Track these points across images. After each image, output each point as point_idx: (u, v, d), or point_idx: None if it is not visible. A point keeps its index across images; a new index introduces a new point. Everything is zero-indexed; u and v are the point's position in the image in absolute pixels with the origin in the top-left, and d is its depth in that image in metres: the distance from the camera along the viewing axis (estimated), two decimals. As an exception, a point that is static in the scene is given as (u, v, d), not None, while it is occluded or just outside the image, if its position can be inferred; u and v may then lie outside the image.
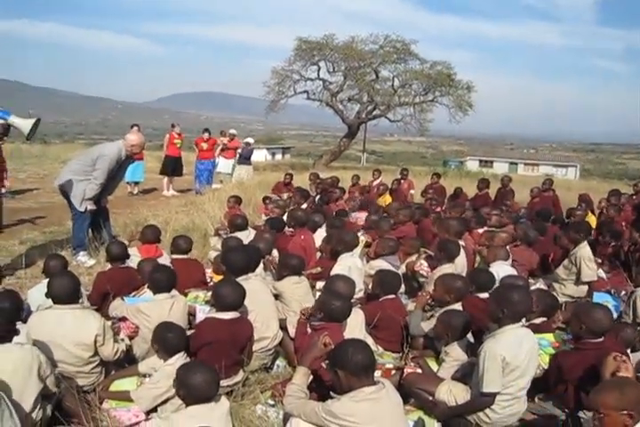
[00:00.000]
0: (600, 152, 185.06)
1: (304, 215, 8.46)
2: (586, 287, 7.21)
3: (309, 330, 4.77)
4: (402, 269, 7.34)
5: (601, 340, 4.37)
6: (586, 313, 4.43)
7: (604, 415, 3.09)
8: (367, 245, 8.77)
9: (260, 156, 45.05)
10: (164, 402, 4.18)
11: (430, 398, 4.39)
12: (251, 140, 18.98)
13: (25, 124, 7.38)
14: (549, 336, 5.31)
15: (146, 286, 5.69)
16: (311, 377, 4.05)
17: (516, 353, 4.08)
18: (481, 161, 72.27)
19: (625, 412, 3.04)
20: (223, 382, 4.39)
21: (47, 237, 9.71)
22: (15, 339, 3.85)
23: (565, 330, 5.72)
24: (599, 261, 8.41)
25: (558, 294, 7.19)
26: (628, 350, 4.98)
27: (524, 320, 4.42)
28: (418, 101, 31.00)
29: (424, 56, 31.03)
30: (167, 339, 4.35)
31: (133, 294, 5.84)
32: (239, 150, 18.08)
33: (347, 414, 3.30)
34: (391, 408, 3.45)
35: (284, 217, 9.22)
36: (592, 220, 11.04)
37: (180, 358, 4.31)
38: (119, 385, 4.52)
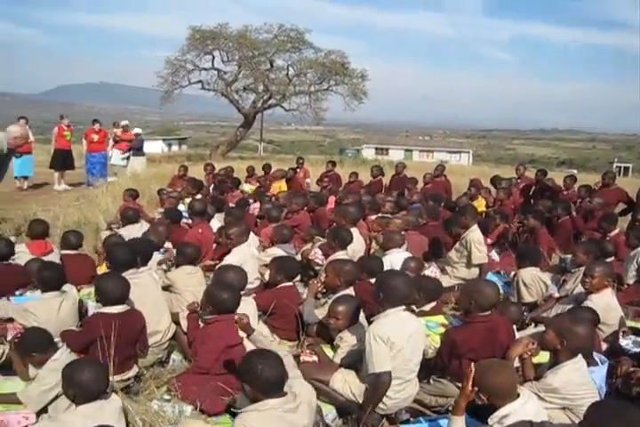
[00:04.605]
0: (491, 138, 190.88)
1: (202, 206, 8.38)
2: (477, 270, 7.45)
3: (201, 324, 4.75)
4: (297, 258, 7.38)
5: (489, 313, 4.58)
6: (474, 289, 4.63)
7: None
8: None
9: (155, 147, 44.28)
10: (55, 399, 4.05)
11: (326, 387, 4.44)
12: (139, 130, 18.44)
13: None
14: (437, 318, 5.47)
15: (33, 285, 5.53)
16: None
17: (400, 333, 4.19)
18: (377, 149, 73.17)
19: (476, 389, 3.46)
20: (116, 378, 4.34)
21: None
22: None
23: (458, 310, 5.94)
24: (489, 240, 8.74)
25: (451, 277, 7.42)
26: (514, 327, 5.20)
27: (413, 307, 4.53)
28: (313, 90, 30.98)
29: (318, 45, 31.09)
30: (39, 343, 4.26)
31: (20, 292, 5.66)
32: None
33: None
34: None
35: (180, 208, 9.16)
36: (482, 204, 11.40)
37: (64, 352, 4.20)
38: (4, 387, 4.37)
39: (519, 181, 13.16)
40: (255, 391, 3.34)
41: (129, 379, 4.66)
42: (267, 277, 6.39)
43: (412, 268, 6.48)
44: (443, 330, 5.11)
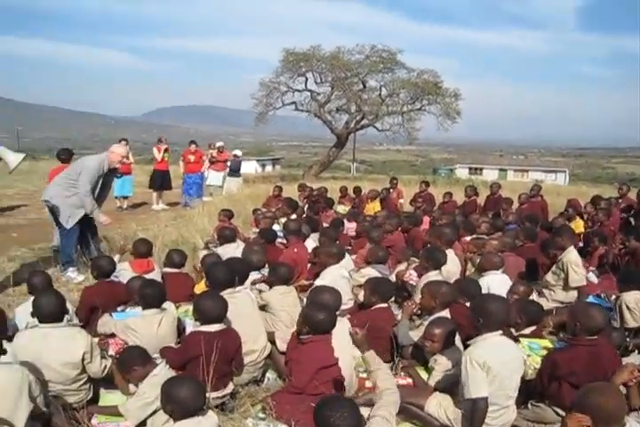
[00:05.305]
0: (588, 157, 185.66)
1: (297, 225, 8.47)
2: (575, 292, 7.22)
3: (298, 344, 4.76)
4: (392, 279, 7.33)
5: (595, 338, 4.43)
6: (582, 311, 4.50)
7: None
8: None
9: (249, 167, 45.06)
10: (154, 414, 4.14)
11: (420, 412, 4.38)
12: (238, 152, 18.93)
13: (13, 160, 7.37)
14: (541, 341, 5.34)
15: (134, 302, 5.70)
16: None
17: (497, 358, 4.09)
18: (470, 168, 72.60)
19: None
20: (213, 394, 4.40)
21: (36, 254, 9.66)
22: (2, 358, 3.81)
23: (555, 335, 5.77)
24: (592, 268, 8.48)
25: (548, 300, 7.22)
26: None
27: (512, 330, 4.43)
28: (406, 110, 30.98)
29: (410, 65, 31.13)
30: (137, 360, 4.40)
31: (121, 308, 5.83)
32: (228, 163, 18.02)
33: None
34: None
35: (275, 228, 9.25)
36: (579, 225, 11.09)
37: (163, 368, 4.31)
38: (106, 400, 4.51)
39: (620, 201, 12.75)
40: None
41: (224, 396, 4.71)
42: (361, 297, 6.37)
43: (521, 292, 6.34)
44: (545, 353, 4.97)
